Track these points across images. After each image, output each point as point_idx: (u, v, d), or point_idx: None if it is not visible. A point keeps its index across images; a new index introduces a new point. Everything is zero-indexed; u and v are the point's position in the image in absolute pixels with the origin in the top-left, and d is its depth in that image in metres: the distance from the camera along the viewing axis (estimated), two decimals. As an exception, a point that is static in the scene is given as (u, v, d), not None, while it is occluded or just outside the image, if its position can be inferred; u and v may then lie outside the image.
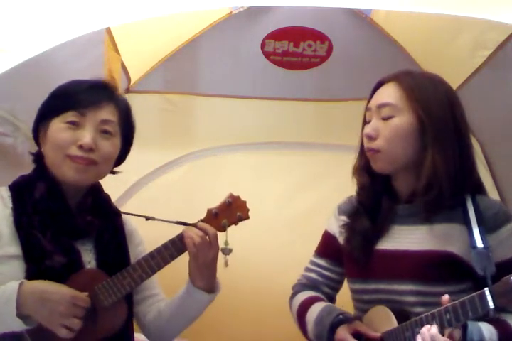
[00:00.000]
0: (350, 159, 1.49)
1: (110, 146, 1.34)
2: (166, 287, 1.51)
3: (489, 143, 2.32)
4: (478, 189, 1.40)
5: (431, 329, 1.15)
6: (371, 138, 1.38)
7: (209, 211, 1.37)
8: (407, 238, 1.38)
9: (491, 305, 1.06)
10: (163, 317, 1.43)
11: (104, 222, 1.38)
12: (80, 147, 1.29)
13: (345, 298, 1.53)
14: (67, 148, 1.29)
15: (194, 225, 1.34)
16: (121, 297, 1.30)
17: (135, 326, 1.47)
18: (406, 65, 2.12)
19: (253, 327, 2.43)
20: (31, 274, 1.24)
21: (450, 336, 1.15)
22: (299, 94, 2.58)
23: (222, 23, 2.39)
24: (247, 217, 1.37)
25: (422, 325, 1.18)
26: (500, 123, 2.13)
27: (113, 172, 1.44)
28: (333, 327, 1.37)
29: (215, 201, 1.38)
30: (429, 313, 1.19)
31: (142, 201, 2.50)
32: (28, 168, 1.39)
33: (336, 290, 1.58)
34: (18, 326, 1.20)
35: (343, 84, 2.52)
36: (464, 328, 1.18)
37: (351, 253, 1.43)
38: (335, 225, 1.53)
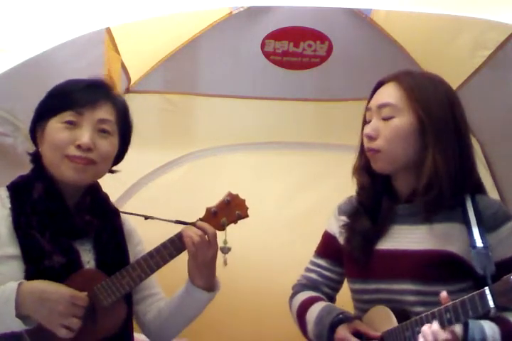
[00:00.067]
0: (350, 159, 1.49)
1: (108, 145, 1.34)
2: (166, 286, 1.51)
3: (489, 143, 2.32)
4: (478, 189, 1.40)
5: (432, 326, 1.15)
6: (371, 138, 1.38)
7: (208, 210, 1.36)
8: (407, 238, 1.38)
9: (491, 304, 1.06)
10: (163, 316, 1.43)
11: (103, 221, 1.38)
12: (78, 147, 1.29)
13: (345, 298, 1.53)
14: (65, 148, 1.29)
15: (193, 224, 1.34)
16: (121, 297, 1.30)
17: (135, 326, 1.47)
18: (406, 65, 2.12)
19: (253, 327, 2.43)
20: (30, 274, 1.24)
21: (451, 331, 1.15)
22: (299, 94, 2.58)
23: (222, 23, 2.39)
24: (246, 216, 1.37)
25: (422, 324, 1.18)
26: (500, 123, 2.13)
27: (111, 172, 1.43)
28: (333, 327, 1.37)
29: (215, 201, 1.38)
30: (429, 312, 1.19)
31: (142, 201, 2.50)
32: (28, 168, 1.39)
33: (336, 290, 1.58)
34: (17, 326, 1.20)
35: (343, 84, 2.52)
36: (466, 327, 1.18)
37: (351, 253, 1.43)
38: (335, 225, 1.53)
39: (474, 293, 1.10)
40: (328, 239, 1.56)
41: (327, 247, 1.56)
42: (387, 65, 2.03)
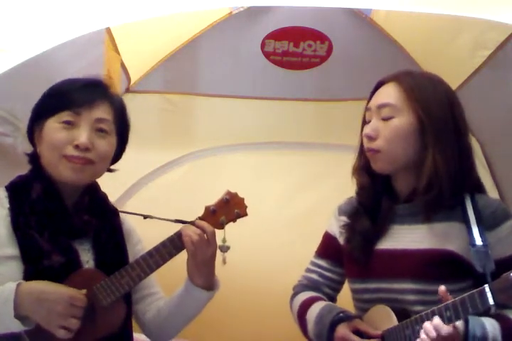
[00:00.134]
0: (350, 159, 1.49)
1: (106, 145, 1.34)
2: (165, 285, 1.51)
3: (489, 143, 2.32)
4: (478, 188, 1.40)
5: (434, 320, 1.15)
6: (371, 138, 1.38)
7: (207, 208, 1.36)
8: (406, 237, 1.38)
9: (491, 301, 1.06)
10: (163, 315, 1.43)
11: (102, 221, 1.38)
12: (76, 147, 1.28)
13: (345, 298, 1.53)
14: (64, 148, 1.29)
15: (192, 223, 1.34)
16: (120, 296, 1.30)
17: (135, 325, 1.47)
18: (406, 65, 2.12)
19: (253, 327, 2.43)
20: (29, 275, 1.24)
21: (453, 326, 1.15)
22: (299, 94, 2.58)
23: (222, 23, 2.39)
24: (245, 214, 1.36)
25: (423, 323, 1.18)
26: (500, 123, 2.13)
27: (110, 171, 1.43)
28: (333, 325, 1.37)
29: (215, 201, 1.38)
30: (429, 311, 1.19)
31: (142, 201, 2.50)
32: (28, 168, 1.39)
33: (337, 290, 1.58)
34: (16, 327, 1.19)
35: (343, 84, 2.52)
36: (467, 323, 1.18)
37: (351, 253, 1.43)
38: (335, 226, 1.54)
39: (474, 290, 1.10)
40: (328, 239, 1.56)
41: (327, 248, 1.57)
42: (387, 65, 2.03)
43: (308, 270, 1.60)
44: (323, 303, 1.47)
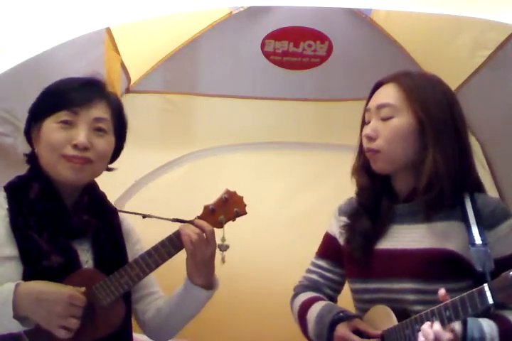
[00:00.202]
0: (350, 159, 1.49)
1: (104, 144, 1.33)
2: (165, 285, 1.51)
3: (489, 142, 2.32)
4: (477, 187, 1.40)
5: (434, 326, 1.15)
6: (371, 138, 1.38)
7: (206, 207, 1.36)
8: (406, 237, 1.38)
9: (491, 300, 1.05)
10: (162, 314, 1.43)
11: (101, 221, 1.38)
12: (75, 146, 1.28)
13: (345, 298, 1.53)
14: (62, 148, 1.28)
15: (191, 222, 1.33)
16: (120, 296, 1.30)
17: (135, 325, 1.47)
18: (406, 65, 2.13)
19: (253, 327, 2.43)
20: (28, 275, 1.23)
21: (451, 330, 1.15)
22: (299, 94, 2.58)
23: (222, 23, 2.40)
24: (245, 213, 1.36)
25: (422, 323, 1.18)
26: (499, 123, 2.13)
27: (108, 170, 1.43)
28: (333, 325, 1.37)
29: (215, 201, 1.38)
30: (428, 310, 1.19)
31: (142, 201, 2.50)
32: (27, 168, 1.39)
33: (338, 291, 1.57)
34: (15, 327, 1.19)
35: (343, 84, 2.53)
36: (465, 325, 1.18)
37: (351, 253, 1.43)
38: (335, 226, 1.54)
39: (473, 289, 1.10)
40: (328, 240, 1.56)
41: (328, 248, 1.56)
42: (387, 65, 2.03)
43: (308, 271, 1.59)
44: (323, 303, 1.47)
